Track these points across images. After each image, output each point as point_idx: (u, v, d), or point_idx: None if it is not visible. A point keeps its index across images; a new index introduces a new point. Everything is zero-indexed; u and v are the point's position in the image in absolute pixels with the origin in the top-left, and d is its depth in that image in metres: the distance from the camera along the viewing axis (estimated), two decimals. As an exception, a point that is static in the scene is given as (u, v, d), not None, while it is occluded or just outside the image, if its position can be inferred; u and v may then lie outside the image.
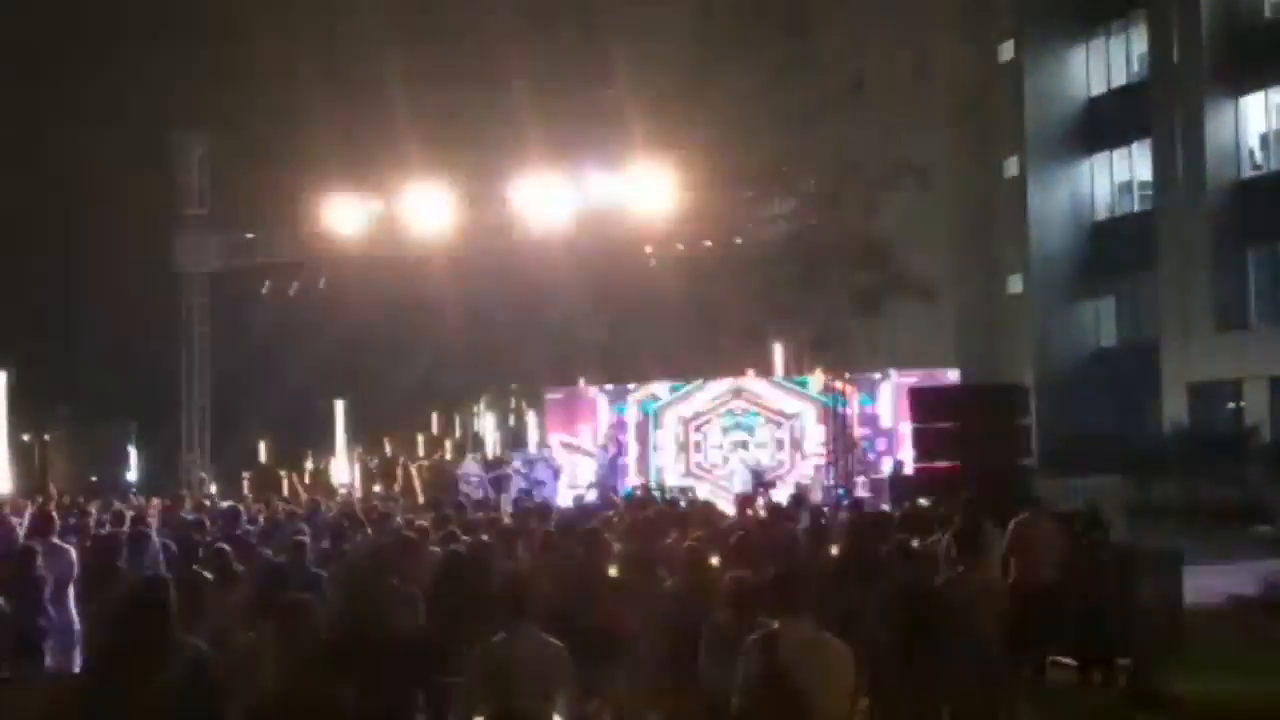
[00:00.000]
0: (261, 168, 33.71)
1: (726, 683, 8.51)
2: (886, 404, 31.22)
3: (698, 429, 31.67)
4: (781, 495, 25.04)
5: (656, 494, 26.19)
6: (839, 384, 30.27)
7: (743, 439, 30.89)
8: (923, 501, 16.69)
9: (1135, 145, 40.59)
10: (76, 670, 11.60)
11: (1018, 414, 24.09)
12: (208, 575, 11.32)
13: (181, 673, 7.27)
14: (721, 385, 31.92)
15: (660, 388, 32.28)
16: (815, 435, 31.23)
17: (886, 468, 29.13)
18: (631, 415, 32.12)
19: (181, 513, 20.32)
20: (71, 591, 13.00)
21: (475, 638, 8.58)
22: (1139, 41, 40.62)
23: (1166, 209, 38.53)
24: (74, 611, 12.89)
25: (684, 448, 31.81)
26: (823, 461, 30.46)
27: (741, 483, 28.54)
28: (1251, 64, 36.22)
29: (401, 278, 33.21)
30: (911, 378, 30.95)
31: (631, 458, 31.83)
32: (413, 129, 33.52)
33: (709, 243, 32.96)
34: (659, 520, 15.55)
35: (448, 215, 31.96)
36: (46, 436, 32.15)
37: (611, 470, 30.21)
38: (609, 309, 36.26)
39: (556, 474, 30.14)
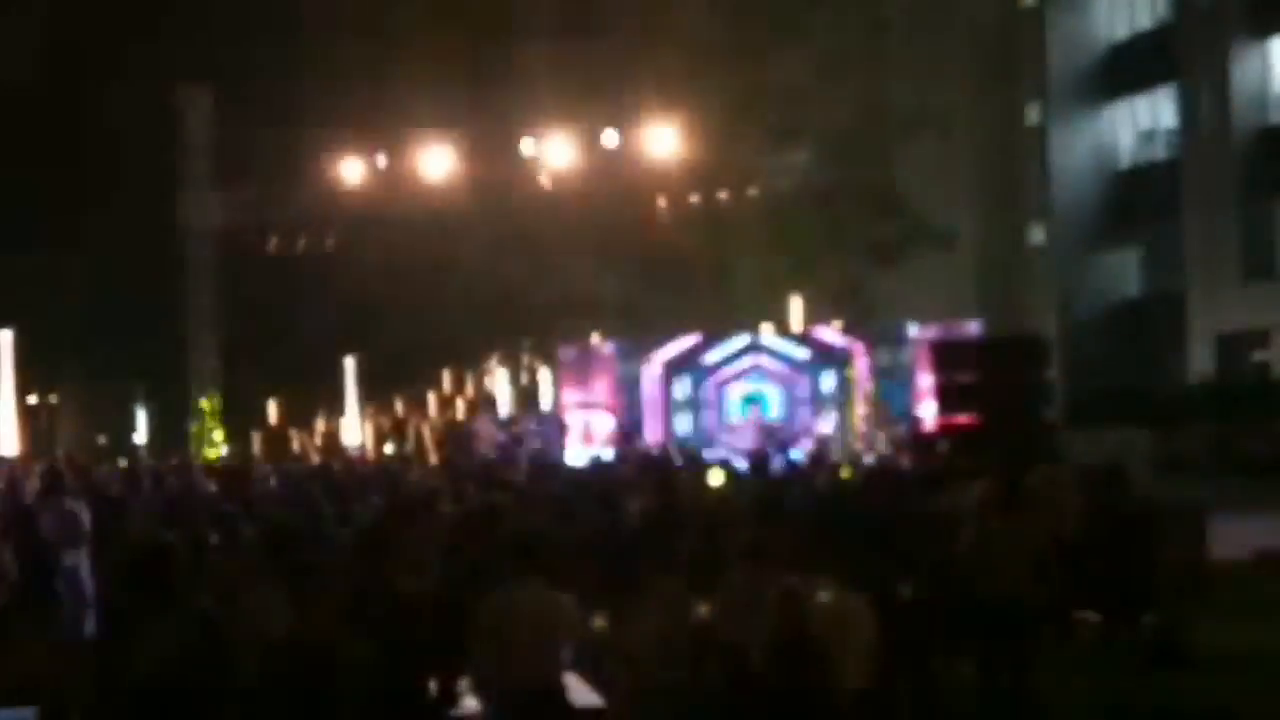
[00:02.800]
0: (268, 123, 33.37)
1: (744, 637, 8.55)
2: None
3: (718, 387, 31.27)
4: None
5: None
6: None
7: (758, 396, 30.51)
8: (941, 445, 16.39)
9: (1160, 91, 40.00)
10: (90, 628, 11.85)
11: (1040, 366, 23.76)
12: (214, 537, 11.34)
13: (191, 632, 7.27)
14: (739, 339, 31.45)
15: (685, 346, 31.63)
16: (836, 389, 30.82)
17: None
18: (650, 373, 31.65)
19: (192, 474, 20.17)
20: (84, 552, 13.00)
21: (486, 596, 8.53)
22: (1164, -16, 40.00)
23: (1192, 156, 37.98)
24: (87, 572, 12.89)
25: (704, 406, 31.39)
26: (840, 418, 30.12)
27: (752, 440, 28.26)
28: (1279, 6, 35.60)
29: (410, 233, 32.92)
30: (932, 330, 30.51)
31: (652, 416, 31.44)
32: (421, 81, 33.12)
33: (725, 194, 32.61)
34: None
35: (457, 169, 31.63)
36: (53, 398, 32.06)
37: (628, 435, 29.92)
38: (623, 263, 35.93)
39: (564, 432, 29.92)
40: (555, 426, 29.87)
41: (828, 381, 30.87)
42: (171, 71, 33.32)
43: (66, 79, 34.46)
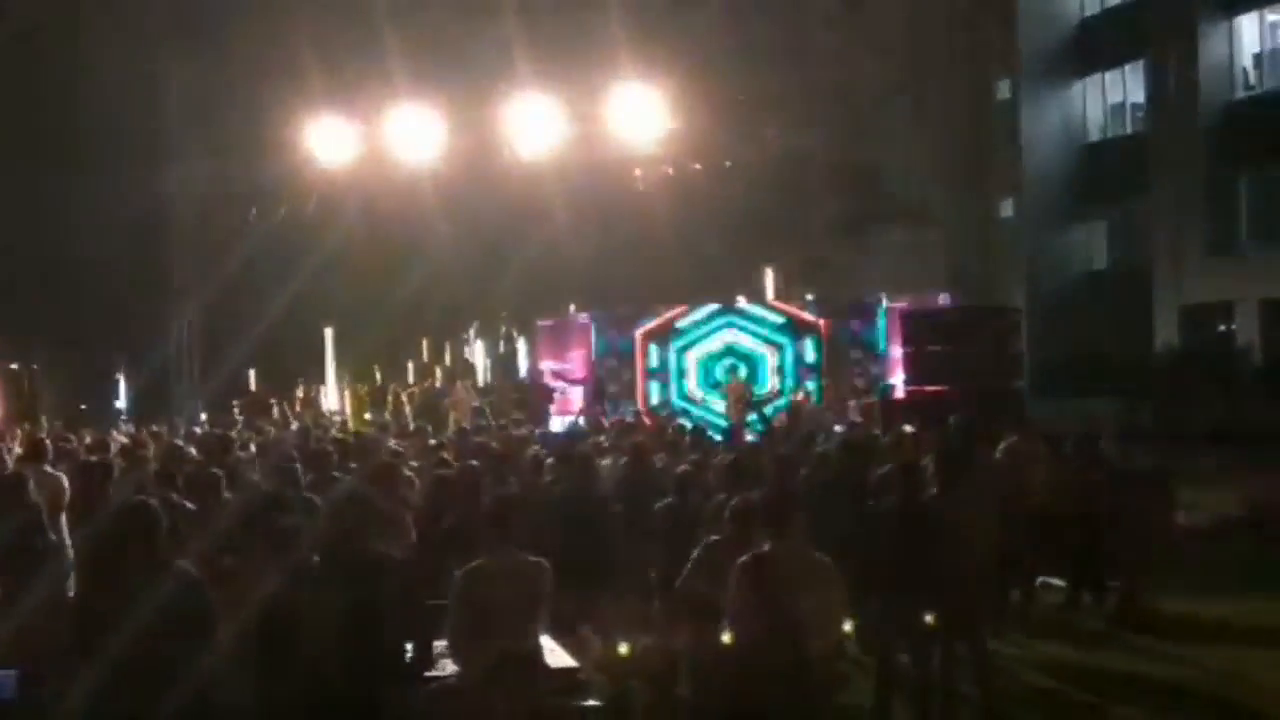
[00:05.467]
0: (248, 93, 33.37)
1: (715, 599, 8.72)
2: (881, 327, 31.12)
3: (694, 356, 31.50)
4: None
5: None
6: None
7: (734, 364, 30.80)
8: (908, 428, 16.67)
9: (1128, 67, 40.35)
10: (70, 592, 11.72)
11: (1010, 337, 24.12)
12: (190, 504, 11.37)
13: (172, 595, 7.31)
14: (715, 309, 31.68)
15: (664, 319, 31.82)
16: (805, 359, 31.14)
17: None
18: (627, 343, 31.84)
19: (173, 440, 20.20)
20: (64, 519, 13.01)
21: (463, 562, 8.63)
22: (1132, -39, 40.29)
23: (1159, 131, 38.34)
24: (67, 538, 12.88)
25: (682, 374, 31.65)
26: (812, 388, 30.45)
27: (729, 407, 28.63)
28: (1246, -17, 35.98)
29: (390, 203, 32.99)
30: (903, 302, 30.85)
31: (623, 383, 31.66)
32: (400, 52, 33.16)
33: (698, 166, 32.78)
34: (649, 444, 15.48)
35: (435, 139, 31.70)
36: (35, 365, 32.02)
37: (597, 398, 30.17)
38: (597, 233, 36.09)
39: (545, 400, 30.11)
40: (535, 395, 30.08)
41: (800, 351, 31.21)
42: (152, 42, 33.27)
43: (46, 52, 34.39)
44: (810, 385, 30.52)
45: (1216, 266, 36.05)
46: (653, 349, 31.59)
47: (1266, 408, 29.35)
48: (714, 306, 31.67)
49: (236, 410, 31.22)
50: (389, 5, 34.78)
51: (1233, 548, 17.58)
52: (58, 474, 13.69)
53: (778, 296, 33.45)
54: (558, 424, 28.08)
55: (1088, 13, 41.78)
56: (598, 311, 32.99)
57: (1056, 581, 15.10)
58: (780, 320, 31.31)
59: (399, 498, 11.90)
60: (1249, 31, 36.81)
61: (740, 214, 36.23)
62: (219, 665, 7.50)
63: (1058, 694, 11.92)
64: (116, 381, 36.49)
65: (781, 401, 29.74)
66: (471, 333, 37.13)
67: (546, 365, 32.47)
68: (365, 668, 7.73)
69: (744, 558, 8.51)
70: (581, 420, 27.05)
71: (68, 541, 12.76)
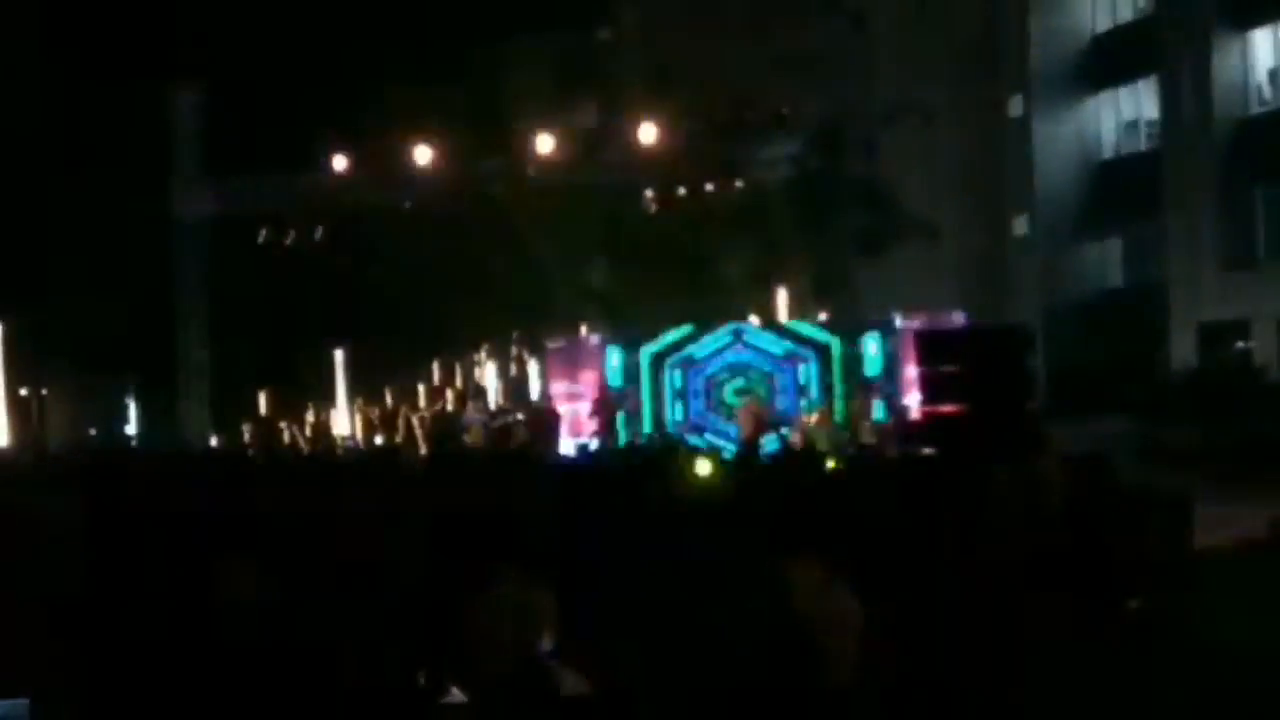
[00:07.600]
0: (258, 114, 33.42)
1: (731, 627, 8.61)
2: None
3: (699, 375, 31.32)
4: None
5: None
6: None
7: (745, 385, 30.61)
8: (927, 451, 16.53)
9: (1142, 83, 40.22)
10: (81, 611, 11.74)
11: (1025, 356, 23.90)
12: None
13: (183, 611, 7.39)
14: (723, 330, 31.55)
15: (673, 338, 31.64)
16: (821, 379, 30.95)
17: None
18: (639, 365, 31.66)
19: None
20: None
21: (473, 586, 8.52)
22: (1145, -24, 40.20)
23: (1173, 147, 38.20)
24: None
25: (683, 395, 31.42)
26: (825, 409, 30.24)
27: (745, 428, 28.40)
28: (1259, -2, 35.86)
29: (400, 225, 32.98)
30: (916, 321, 30.65)
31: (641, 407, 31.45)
32: (409, 73, 33.22)
33: (710, 186, 32.69)
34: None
35: (446, 160, 31.68)
36: (44, 390, 32.01)
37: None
38: (609, 254, 36.05)
39: (556, 422, 29.98)
40: (547, 417, 29.95)
41: (813, 372, 31.03)
42: (163, 62, 33.31)
43: (57, 72, 34.45)
44: (820, 406, 30.29)
45: (1233, 283, 35.88)
46: (664, 370, 31.40)
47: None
48: (725, 327, 31.51)
49: (247, 434, 31.19)
50: (398, 28, 34.85)
51: (1254, 569, 17.34)
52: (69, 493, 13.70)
53: (790, 316, 33.30)
54: (570, 445, 27.94)
55: (1100, 29, 41.65)
56: (609, 333, 32.84)
57: (1073, 603, 14.87)
58: (795, 339, 31.15)
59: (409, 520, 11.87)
60: (1263, 46, 36.69)
61: (752, 233, 36.16)
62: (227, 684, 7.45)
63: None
64: (126, 406, 36.50)
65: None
66: (482, 354, 37.04)
67: (559, 388, 32.30)
68: (378, 694, 7.67)
69: (759, 582, 8.41)
70: (593, 443, 26.95)
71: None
